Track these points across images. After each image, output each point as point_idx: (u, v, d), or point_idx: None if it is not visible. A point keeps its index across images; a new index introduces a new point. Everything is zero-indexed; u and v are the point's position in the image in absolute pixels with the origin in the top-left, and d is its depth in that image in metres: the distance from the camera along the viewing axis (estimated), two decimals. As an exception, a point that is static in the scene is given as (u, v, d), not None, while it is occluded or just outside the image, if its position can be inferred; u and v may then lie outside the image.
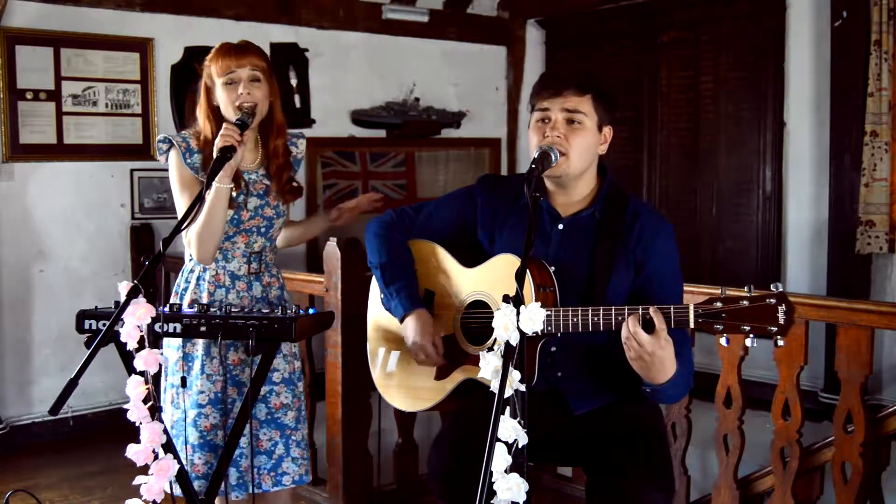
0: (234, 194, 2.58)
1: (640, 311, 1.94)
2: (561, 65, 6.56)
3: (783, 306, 1.85)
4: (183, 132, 2.67)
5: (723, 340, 1.90)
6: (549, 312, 2.02)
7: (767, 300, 1.85)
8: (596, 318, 1.99)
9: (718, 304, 1.88)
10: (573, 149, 2.19)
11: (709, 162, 5.79)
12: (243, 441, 2.59)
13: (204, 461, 2.55)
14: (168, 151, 2.63)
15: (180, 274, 2.70)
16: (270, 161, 2.66)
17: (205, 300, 2.58)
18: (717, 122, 5.74)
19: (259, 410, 2.62)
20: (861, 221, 4.92)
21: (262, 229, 2.66)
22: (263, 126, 2.64)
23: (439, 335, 2.35)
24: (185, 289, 2.65)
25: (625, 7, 6.06)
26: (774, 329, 1.85)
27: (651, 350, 1.92)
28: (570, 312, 2.02)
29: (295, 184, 2.71)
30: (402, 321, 2.38)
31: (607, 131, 2.28)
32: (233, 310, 2.46)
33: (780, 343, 1.86)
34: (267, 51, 2.77)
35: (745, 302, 1.86)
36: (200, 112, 2.61)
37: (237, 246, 2.64)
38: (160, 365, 2.11)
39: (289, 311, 2.30)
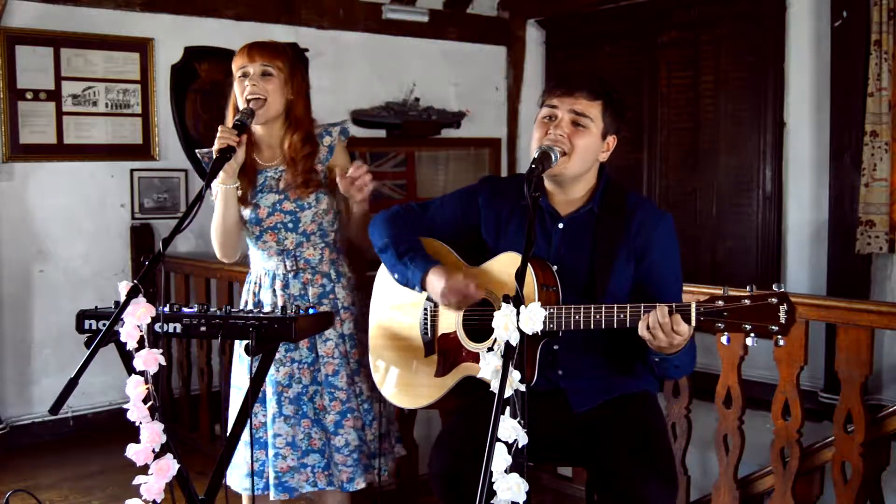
0: (239, 193, 2.63)
1: (643, 309, 1.96)
2: (561, 65, 6.56)
3: (785, 306, 1.85)
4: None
5: (723, 339, 1.91)
6: (551, 311, 2.02)
7: (769, 299, 1.86)
8: (598, 317, 2.00)
9: (720, 303, 1.89)
10: (574, 150, 2.20)
11: (709, 162, 5.79)
12: (279, 441, 2.65)
13: (256, 458, 2.64)
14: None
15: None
16: (287, 154, 2.65)
17: (250, 302, 2.72)
18: (717, 122, 5.74)
19: (309, 409, 2.68)
20: (861, 221, 4.92)
21: (289, 224, 2.66)
22: (283, 123, 2.66)
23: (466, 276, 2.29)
24: (245, 291, 2.80)
25: (625, 7, 6.06)
26: (776, 328, 1.85)
27: (668, 341, 1.94)
28: (572, 310, 2.02)
29: (311, 176, 2.63)
30: (422, 284, 2.31)
31: (611, 140, 2.28)
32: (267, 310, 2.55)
33: (781, 343, 1.86)
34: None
35: (746, 301, 1.87)
36: (229, 106, 2.67)
37: (269, 245, 2.68)
38: (160, 365, 2.11)
39: (289, 311, 2.30)
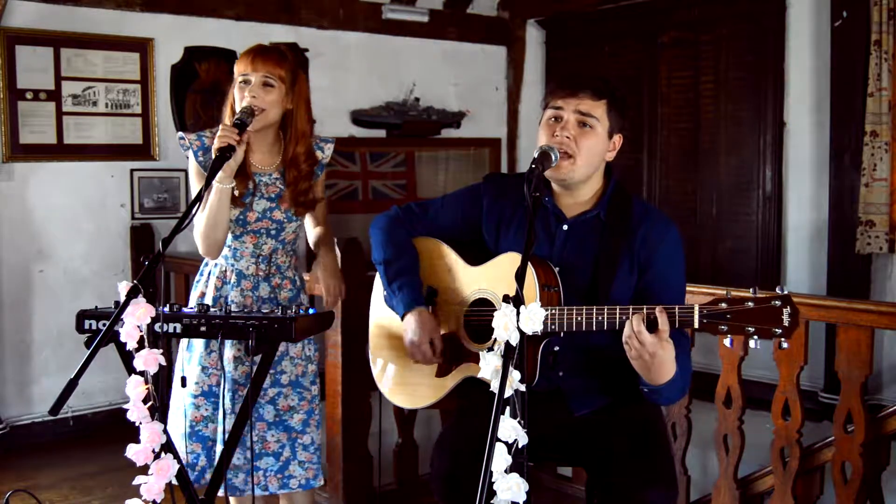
0: (236, 193, 2.60)
1: (645, 311, 1.94)
2: (561, 65, 6.56)
3: (788, 308, 1.84)
4: (207, 130, 2.69)
5: (726, 341, 1.90)
6: (552, 311, 2.02)
7: (773, 302, 1.85)
8: (600, 318, 2.00)
9: (724, 305, 1.88)
10: (581, 152, 2.19)
11: (709, 162, 5.79)
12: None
13: (190, 450, 2.58)
14: (187, 150, 2.66)
15: (199, 269, 2.78)
16: (288, 168, 2.65)
17: (210, 294, 2.67)
18: (717, 122, 5.74)
19: (267, 412, 2.65)
20: (861, 221, 4.92)
21: (273, 232, 2.67)
22: (284, 131, 2.65)
23: (439, 334, 2.35)
24: (197, 282, 2.75)
25: (625, 7, 6.06)
26: (779, 331, 1.85)
27: (652, 350, 1.92)
28: (574, 311, 2.02)
29: (310, 196, 2.70)
30: (402, 318, 2.38)
31: (617, 139, 2.27)
32: (233, 308, 2.52)
33: (784, 345, 1.86)
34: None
35: (750, 303, 1.86)
36: (227, 108, 2.64)
37: (245, 246, 2.67)
38: (160, 365, 2.11)
39: (289, 311, 2.30)
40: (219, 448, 2.59)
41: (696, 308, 1.91)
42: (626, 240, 2.23)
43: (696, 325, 1.90)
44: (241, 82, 2.57)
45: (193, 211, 2.24)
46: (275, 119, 2.60)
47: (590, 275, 2.23)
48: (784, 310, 1.84)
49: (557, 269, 2.20)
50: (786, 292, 1.85)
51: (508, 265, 2.25)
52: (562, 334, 2.10)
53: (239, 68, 2.59)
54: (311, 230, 2.84)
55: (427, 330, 2.33)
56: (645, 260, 2.22)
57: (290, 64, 2.61)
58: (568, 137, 2.18)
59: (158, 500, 2.13)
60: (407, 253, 2.45)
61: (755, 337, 1.86)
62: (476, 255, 2.38)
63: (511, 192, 2.37)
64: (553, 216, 2.29)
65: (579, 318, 2.01)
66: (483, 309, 2.33)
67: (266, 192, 2.65)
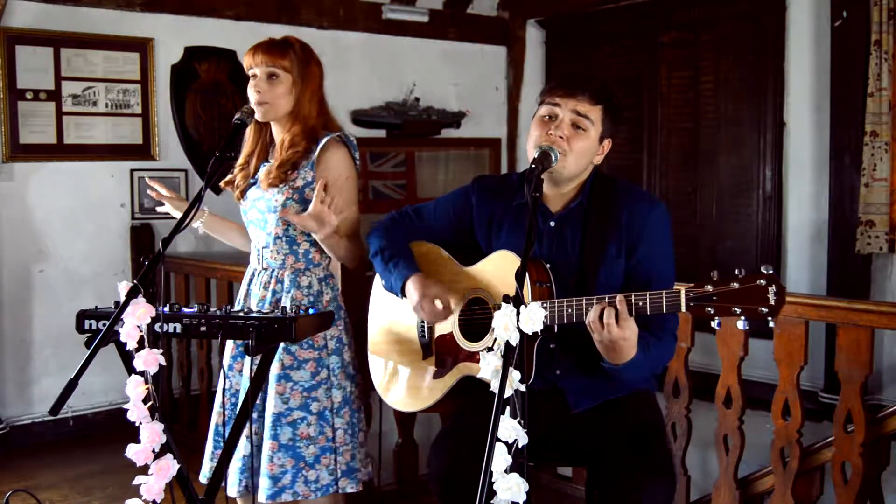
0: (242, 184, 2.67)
1: (607, 300, 1.97)
2: (561, 65, 6.57)
3: (773, 287, 1.84)
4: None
5: (714, 324, 1.90)
6: (544, 306, 2.02)
7: (758, 281, 1.85)
8: (590, 308, 2.01)
9: (709, 287, 1.89)
10: (572, 152, 2.21)
11: (709, 162, 5.79)
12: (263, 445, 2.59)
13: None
14: None
15: None
16: (280, 145, 2.61)
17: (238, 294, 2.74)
18: (717, 122, 5.74)
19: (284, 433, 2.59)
20: (861, 221, 4.92)
21: (261, 223, 2.64)
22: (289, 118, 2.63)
23: (442, 291, 2.33)
24: None
25: (625, 7, 6.06)
26: (765, 310, 1.84)
27: (612, 338, 1.97)
28: (563, 304, 2.03)
29: (285, 172, 2.53)
30: (402, 290, 2.36)
31: (606, 143, 2.29)
32: (238, 307, 2.56)
33: (772, 324, 1.86)
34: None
35: (735, 284, 1.86)
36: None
37: (251, 239, 2.71)
38: (160, 364, 2.11)
39: (289, 311, 2.30)
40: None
41: (683, 291, 1.91)
42: (612, 223, 2.24)
43: (684, 308, 1.90)
44: (251, 76, 2.59)
45: (193, 210, 2.24)
46: (285, 110, 2.59)
47: (578, 266, 2.24)
48: (770, 288, 1.84)
49: (549, 265, 2.21)
50: (771, 272, 1.85)
51: (501, 263, 2.27)
52: (556, 329, 2.11)
53: (245, 62, 2.60)
54: None
55: (429, 287, 2.31)
56: (632, 240, 2.23)
57: (294, 53, 2.58)
58: (561, 137, 2.19)
59: (158, 500, 2.13)
60: (401, 243, 2.46)
61: (743, 318, 1.86)
62: (470, 257, 2.39)
63: (500, 193, 2.38)
64: (540, 214, 2.30)
65: (570, 310, 2.03)
66: (477, 308, 2.33)
67: (259, 181, 2.65)
